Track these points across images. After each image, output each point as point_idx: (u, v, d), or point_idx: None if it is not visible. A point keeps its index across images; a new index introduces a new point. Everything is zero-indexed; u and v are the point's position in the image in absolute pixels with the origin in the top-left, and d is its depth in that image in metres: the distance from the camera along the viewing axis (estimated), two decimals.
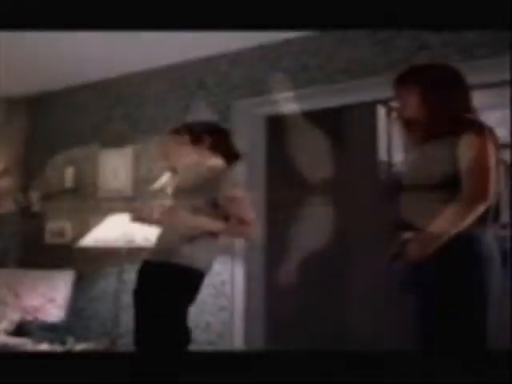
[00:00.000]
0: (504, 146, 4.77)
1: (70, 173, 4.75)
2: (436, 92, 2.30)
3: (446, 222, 2.08)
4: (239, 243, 3.84)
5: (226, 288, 3.89)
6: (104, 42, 3.94)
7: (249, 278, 3.86)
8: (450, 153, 2.15)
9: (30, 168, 5.02)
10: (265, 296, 3.93)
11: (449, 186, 2.13)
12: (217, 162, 2.90)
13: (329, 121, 4.33)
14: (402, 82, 2.40)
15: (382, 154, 4.73)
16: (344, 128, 4.64)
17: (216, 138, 2.95)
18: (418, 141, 2.33)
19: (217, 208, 2.76)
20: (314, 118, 4.06)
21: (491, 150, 2.13)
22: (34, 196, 4.89)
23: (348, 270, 4.52)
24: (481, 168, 2.09)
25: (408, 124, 2.39)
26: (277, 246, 4.05)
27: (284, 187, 4.18)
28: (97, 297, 4.40)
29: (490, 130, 2.21)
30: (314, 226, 4.43)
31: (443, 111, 2.25)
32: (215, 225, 2.76)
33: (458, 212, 2.08)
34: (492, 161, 2.11)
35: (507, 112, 4.33)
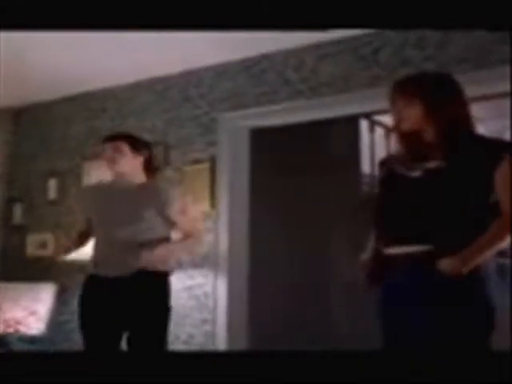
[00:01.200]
0: None
1: (53, 185, 4.73)
2: (439, 102, 2.20)
3: (490, 241, 2.07)
4: (220, 255, 3.86)
5: (208, 300, 3.88)
6: (89, 55, 3.95)
7: (231, 290, 3.85)
8: (487, 170, 2.10)
9: (13, 179, 5.00)
10: (247, 308, 3.93)
11: (478, 201, 2.12)
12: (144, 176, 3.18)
13: (312, 134, 4.36)
14: (400, 90, 2.26)
15: (365, 168, 4.77)
16: (327, 141, 4.67)
17: (150, 153, 3.25)
18: (420, 156, 2.20)
19: (168, 221, 3.04)
20: (297, 131, 4.09)
21: None
22: (17, 208, 4.87)
23: (331, 277, 4.54)
24: None
25: (406, 137, 2.26)
26: (260, 258, 4.05)
27: (267, 199, 4.20)
28: None
29: None
30: (298, 235, 4.45)
31: (448, 123, 2.17)
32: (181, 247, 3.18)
33: (500, 232, 2.08)
34: None
35: (487, 126, 4.39)
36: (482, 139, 2.21)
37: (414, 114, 2.21)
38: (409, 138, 2.25)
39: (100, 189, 3.27)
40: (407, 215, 2.18)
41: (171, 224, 3.06)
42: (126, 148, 3.11)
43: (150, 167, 3.23)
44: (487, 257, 2.08)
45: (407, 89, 2.25)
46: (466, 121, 2.23)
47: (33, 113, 5.01)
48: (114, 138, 3.16)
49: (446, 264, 2.05)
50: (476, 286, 2.08)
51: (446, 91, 2.23)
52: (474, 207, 2.12)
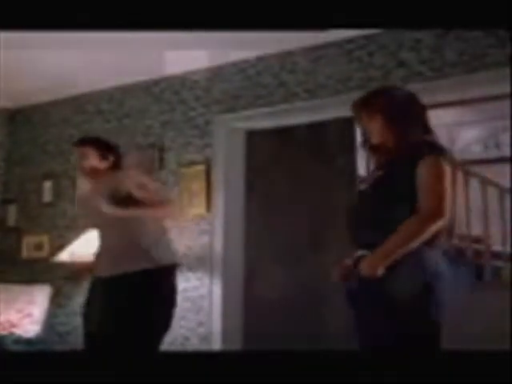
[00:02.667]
0: (479, 161, 4.84)
1: (48, 187, 4.73)
2: (396, 117, 2.32)
3: (401, 239, 2.13)
4: (216, 258, 3.86)
5: (203, 303, 3.88)
6: (83, 57, 3.94)
7: (227, 292, 3.85)
8: (410, 173, 2.19)
9: (8, 181, 4.99)
10: (243, 311, 3.93)
11: (407, 204, 2.19)
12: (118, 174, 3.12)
13: (307, 136, 4.35)
14: (362, 108, 2.40)
15: (361, 170, 4.76)
16: (322, 143, 4.66)
17: (116, 157, 3.22)
18: (382, 163, 2.35)
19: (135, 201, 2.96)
20: (293, 133, 4.08)
21: (447, 170, 2.20)
22: (12, 209, 4.87)
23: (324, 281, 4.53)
24: (437, 187, 2.15)
25: (373, 147, 2.41)
26: (255, 260, 4.05)
27: (263, 201, 4.19)
28: (74, 312, 4.36)
29: (447, 152, 2.29)
30: (293, 237, 4.44)
31: (404, 134, 2.29)
32: (142, 212, 2.95)
33: (413, 229, 2.13)
34: (448, 181, 2.18)
35: (482, 129, 4.41)
36: (412, 144, 2.29)
37: (375, 131, 2.35)
38: (374, 152, 2.43)
39: (80, 196, 3.44)
40: (356, 223, 2.34)
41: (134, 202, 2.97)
42: (91, 153, 3.13)
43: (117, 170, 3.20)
44: (400, 254, 2.12)
45: (369, 105, 2.38)
46: (419, 131, 2.32)
47: (28, 114, 5.00)
48: (80, 143, 3.21)
49: (361, 266, 2.16)
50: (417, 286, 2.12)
51: (401, 105, 2.35)
52: (406, 210, 2.18)
